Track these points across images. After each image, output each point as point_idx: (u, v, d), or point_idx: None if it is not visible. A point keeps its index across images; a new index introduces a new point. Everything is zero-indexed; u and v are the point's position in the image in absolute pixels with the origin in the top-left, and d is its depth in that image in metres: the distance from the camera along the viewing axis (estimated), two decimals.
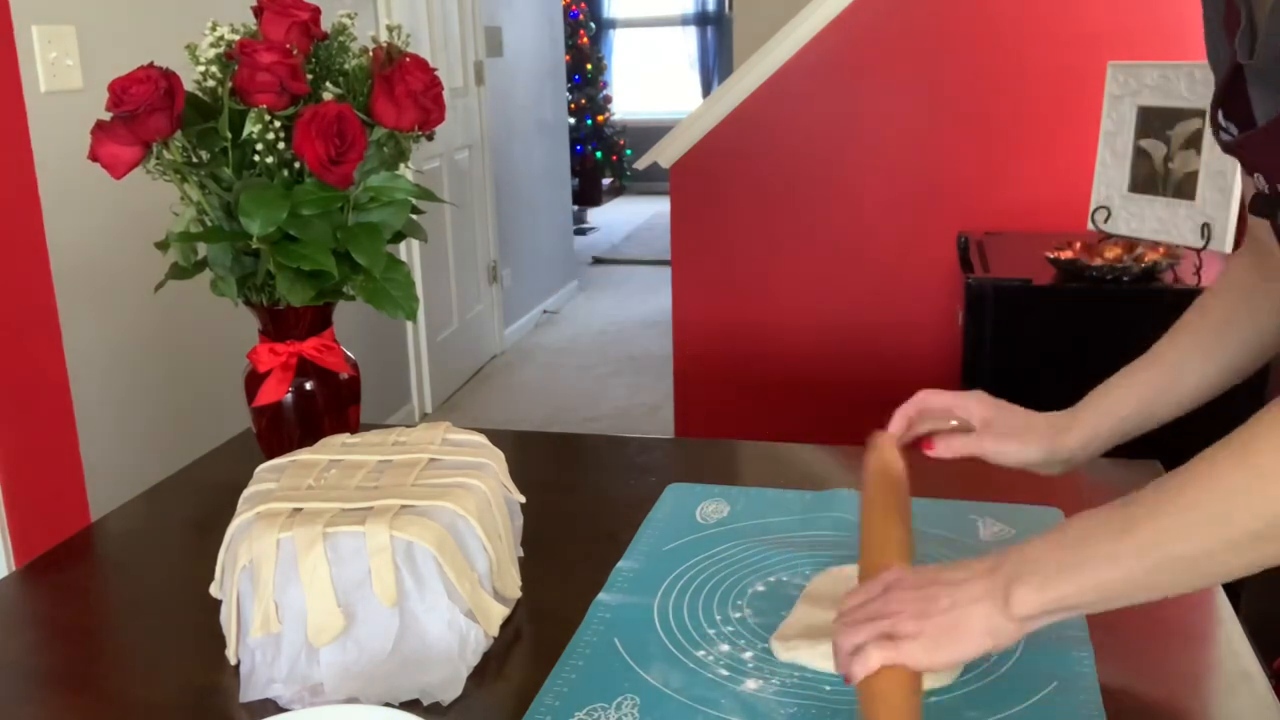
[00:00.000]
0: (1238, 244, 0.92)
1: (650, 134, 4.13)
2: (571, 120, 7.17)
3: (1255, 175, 0.83)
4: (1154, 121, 2.17)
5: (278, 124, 1.03)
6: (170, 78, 1.01)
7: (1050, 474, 0.96)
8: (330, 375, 1.14)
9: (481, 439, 0.98)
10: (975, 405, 0.95)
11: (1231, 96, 0.82)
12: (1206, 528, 0.65)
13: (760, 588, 0.96)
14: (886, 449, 0.93)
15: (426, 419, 3.90)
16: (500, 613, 0.88)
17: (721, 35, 8.56)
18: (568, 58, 6.49)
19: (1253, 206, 0.85)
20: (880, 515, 0.86)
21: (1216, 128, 0.85)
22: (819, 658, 0.82)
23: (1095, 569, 0.67)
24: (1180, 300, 2.03)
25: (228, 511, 0.88)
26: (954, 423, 0.96)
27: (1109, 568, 0.67)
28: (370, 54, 1.09)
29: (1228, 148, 0.85)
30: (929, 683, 0.79)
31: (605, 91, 8.17)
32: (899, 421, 0.96)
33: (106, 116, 1.01)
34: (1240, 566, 0.66)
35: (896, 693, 0.69)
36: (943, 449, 0.94)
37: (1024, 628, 0.69)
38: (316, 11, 1.08)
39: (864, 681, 0.70)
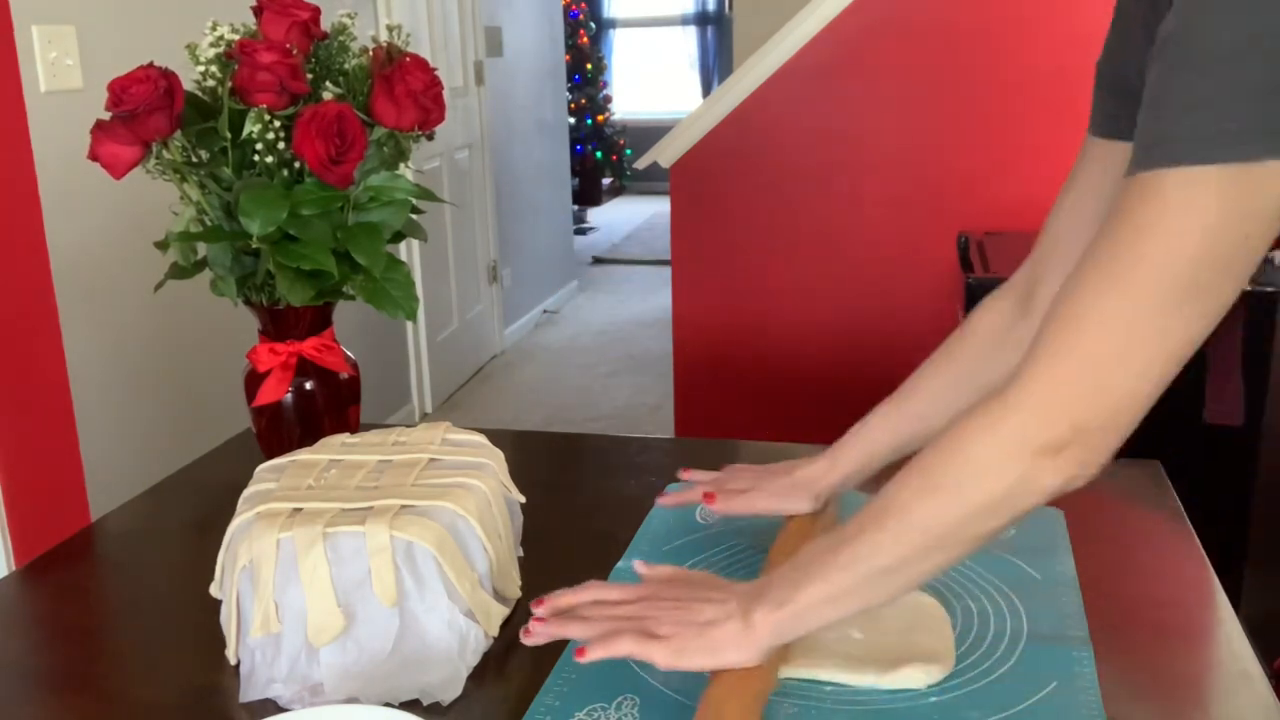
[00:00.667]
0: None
1: (650, 134, 4.13)
2: (571, 120, 7.18)
3: None
4: None
5: (278, 124, 1.03)
6: (170, 77, 1.01)
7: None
8: (330, 375, 1.14)
9: (481, 439, 0.98)
10: (741, 482, 1.02)
11: None
12: (894, 544, 0.73)
13: None
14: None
15: (426, 419, 3.90)
16: (500, 613, 0.88)
17: (721, 35, 8.57)
18: (568, 58, 6.49)
19: None
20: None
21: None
22: (816, 671, 0.82)
23: (814, 586, 0.74)
24: None
25: (228, 511, 0.88)
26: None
27: (825, 584, 0.74)
28: (370, 54, 1.09)
29: None
30: (925, 679, 0.80)
31: (605, 91, 8.17)
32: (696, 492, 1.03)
33: (106, 116, 1.01)
34: (931, 571, 0.74)
35: (730, 701, 0.74)
36: (720, 506, 1.00)
37: (763, 644, 0.75)
38: (316, 11, 1.08)
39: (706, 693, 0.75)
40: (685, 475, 1.05)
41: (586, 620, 0.79)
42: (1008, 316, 0.98)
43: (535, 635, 0.79)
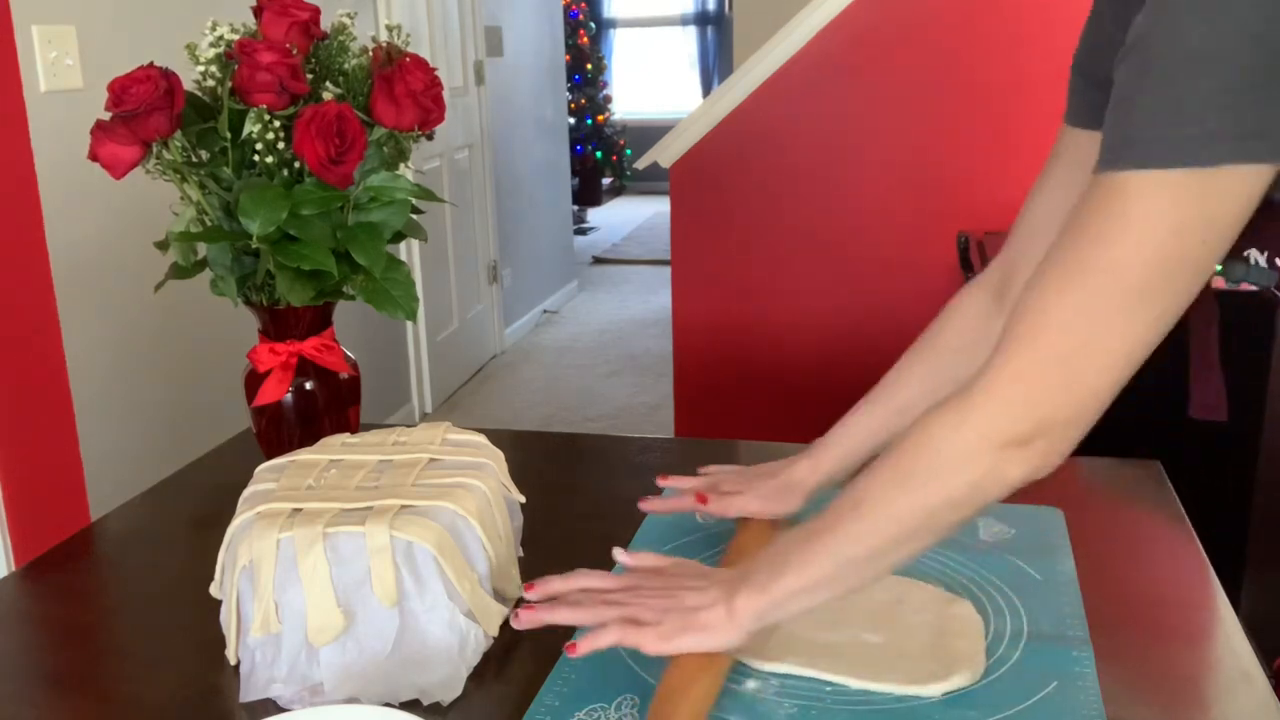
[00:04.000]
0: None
1: (650, 134, 4.13)
2: (571, 120, 7.18)
3: None
4: None
5: (278, 124, 1.03)
6: (170, 77, 1.01)
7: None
8: (330, 375, 1.14)
9: (481, 439, 0.98)
10: (730, 485, 1.03)
11: None
12: (869, 534, 0.75)
13: None
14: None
15: (426, 419, 3.90)
16: (500, 613, 0.88)
17: (721, 35, 8.57)
18: (568, 58, 6.49)
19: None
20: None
21: None
22: (805, 668, 0.82)
23: (792, 575, 0.77)
24: None
25: (228, 511, 0.88)
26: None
27: (803, 572, 0.77)
28: (370, 54, 1.09)
29: None
30: (957, 683, 0.80)
31: (605, 91, 8.17)
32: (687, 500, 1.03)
33: (106, 116, 1.01)
34: (904, 559, 0.77)
35: (689, 688, 0.76)
36: (716, 508, 1.02)
37: (745, 628, 0.77)
38: (316, 11, 1.08)
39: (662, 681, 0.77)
40: (664, 482, 1.05)
41: (574, 605, 0.81)
42: (984, 309, 0.99)
43: (523, 620, 0.81)
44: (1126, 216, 0.66)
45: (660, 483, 1.05)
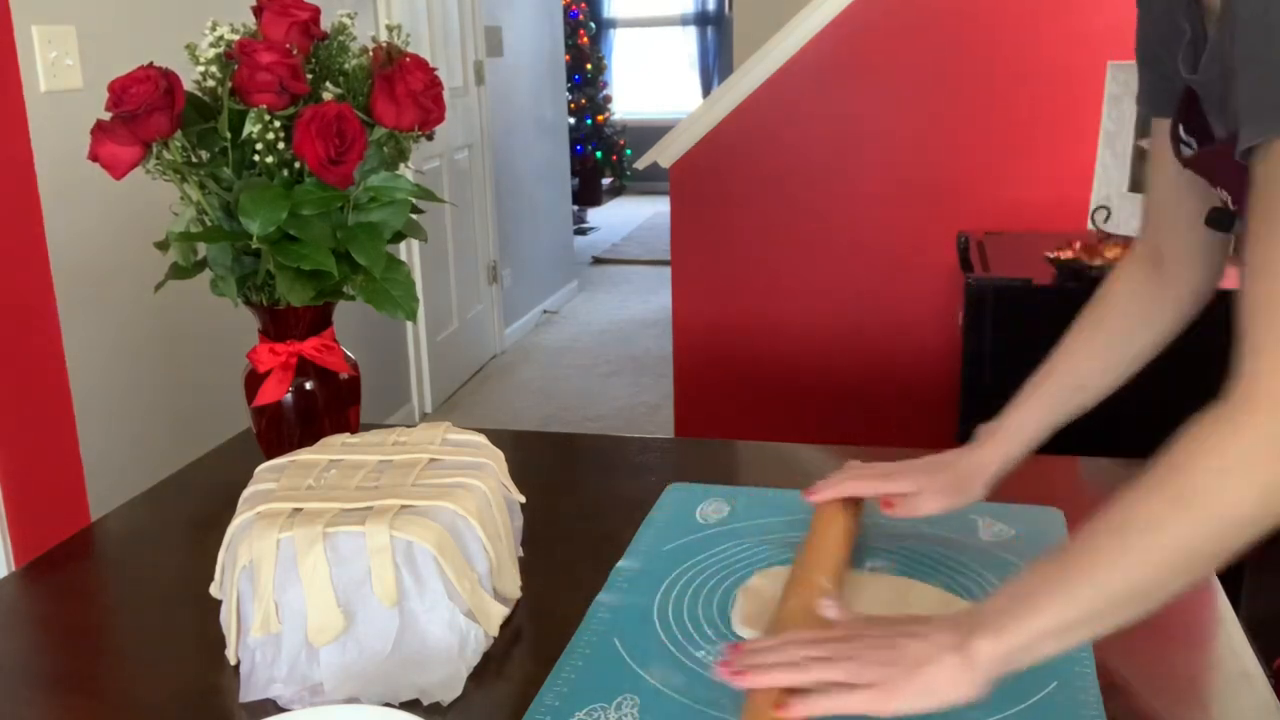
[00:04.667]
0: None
1: (650, 134, 4.13)
2: (571, 120, 7.18)
3: (1219, 189, 0.84)
4: None
5: (278, 124, 1.03)
6: (170, 78, 1.01)
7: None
8: (330, 375, 1.14)
9: (481, 439, 0.98)
10: (905, 483, 0.98)
11: (1190, 111, 0.83)
12: (1140, 564, 0.68)
13: None
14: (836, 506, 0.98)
15: (426, 419, 3.90)
16: (500, 613, 0.88)
17: (721, 35, 8.56)
18: (568, 58, 6.49)
19: (1209, 219, 0.89)
20: (824, 538, 0.92)
21: (1177, 141, 0.86)
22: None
23: (1047, 613, 0.70)
24: None
25: (228, 511, 0.88)
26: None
27: (1059, 611, 0.69)
28: (370, 54, 1.09)
29: (1187, 163, 0.86)
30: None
31: (605, 91, 8.17)
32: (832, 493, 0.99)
33: (106, 116, 1.01)
34: (1175, 593, 0.69)
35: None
36: (902, 510, 0.97)
37: (987, 678, 0.70)
38: (316, 11, 1.08)
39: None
40: (813, 496, 0.99)
41: (790, 666, 0.73)
42: (1143, 282, 0.99)
43: (735, 682, 0.73)
44: None
45: (809, 498, 0.99)
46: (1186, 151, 0.86)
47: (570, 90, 7.40)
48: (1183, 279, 0.97)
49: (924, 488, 0.97)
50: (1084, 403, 0.98)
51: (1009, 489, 1.09)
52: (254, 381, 1.12)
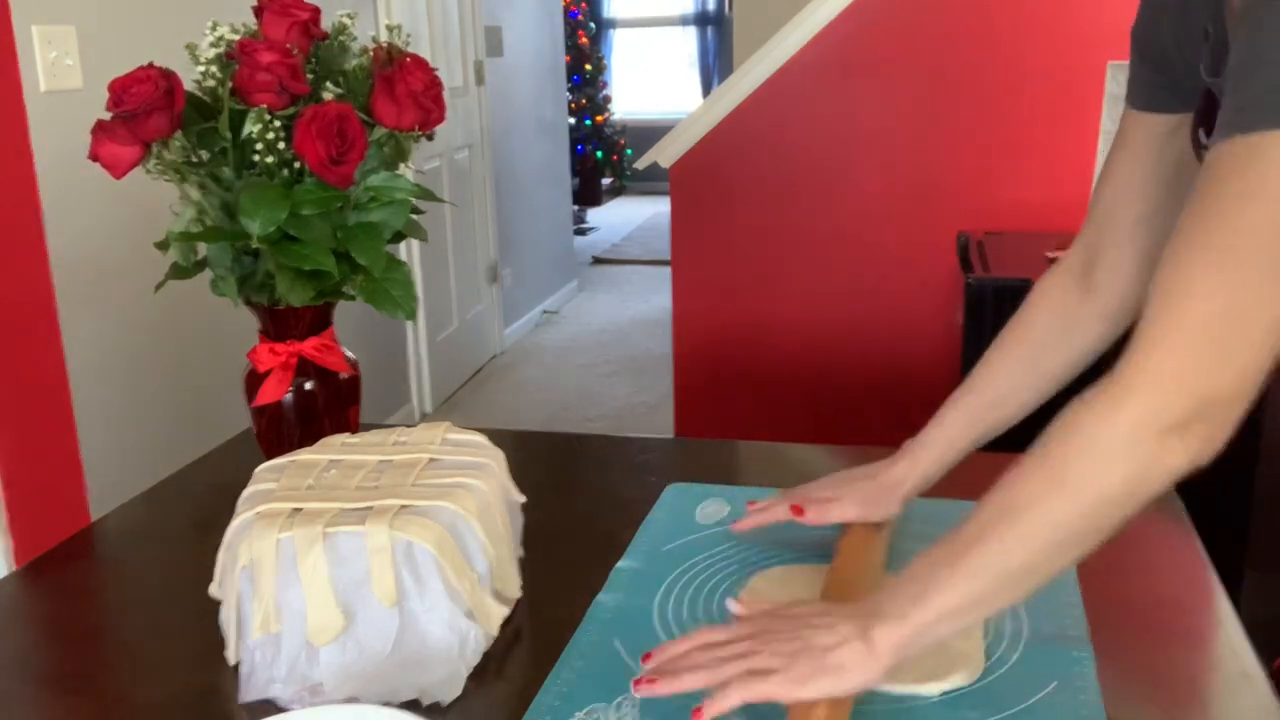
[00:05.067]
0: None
1: (650, 134, 4.13)
2: (571, 120, 7.17)
3: None
4: None
5: (278, 124, 1.03)
6: (170, 78, 1.01)
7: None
8: (330, 375, 1.14)
9: (481, 439, 0.98)
10: (825, 491, 1.00)
11: (1209, 114, 0.82)
12: (1025, 543, 0.70)
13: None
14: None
15: (426, 419, 3.90)
16: (500, 613, 0.88)
17: (721, 35, 8.56)
18: (568, 58, 6.48)
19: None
20: (852, 556, 0.93)
21: (1197, 145, 0.85)
22: None
23: (940, 597, 0.72)
24: None
25: (228, 511, 0.88)
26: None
27: (951, 593, 0.72)
28: (370, 54, 1.09)
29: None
30: (955, 683, 0.80)
31: (605, 91, 8.17)
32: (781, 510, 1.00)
33: (106, 116, 1.01)
34: (1063, 567, 0.72)
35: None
36: (814, 515, 0.99)
37: (886, 661, 0.72)
38: (316, 11, 1.08)
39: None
40: (753, 507, 1.00)
41: (694, 669, 0.74)
42: (1069, 295, 0.97)
43: (644, 692, 0.75)
44: (1267, 178, 0.63)
45: (750, 508, 1.01)
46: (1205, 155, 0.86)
47: (570, 90, 7.40)
48: (1114, 289, 0.95)
49: (841, 496, 0.98)
50: (1003, 419, 0.97)
51: None
52: (254, 381, 1.12)
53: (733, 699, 0.72)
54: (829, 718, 0.72)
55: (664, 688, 0.74)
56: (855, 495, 0.98)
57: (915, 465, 0.98)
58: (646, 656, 0.78)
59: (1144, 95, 0.93)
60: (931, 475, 0.98)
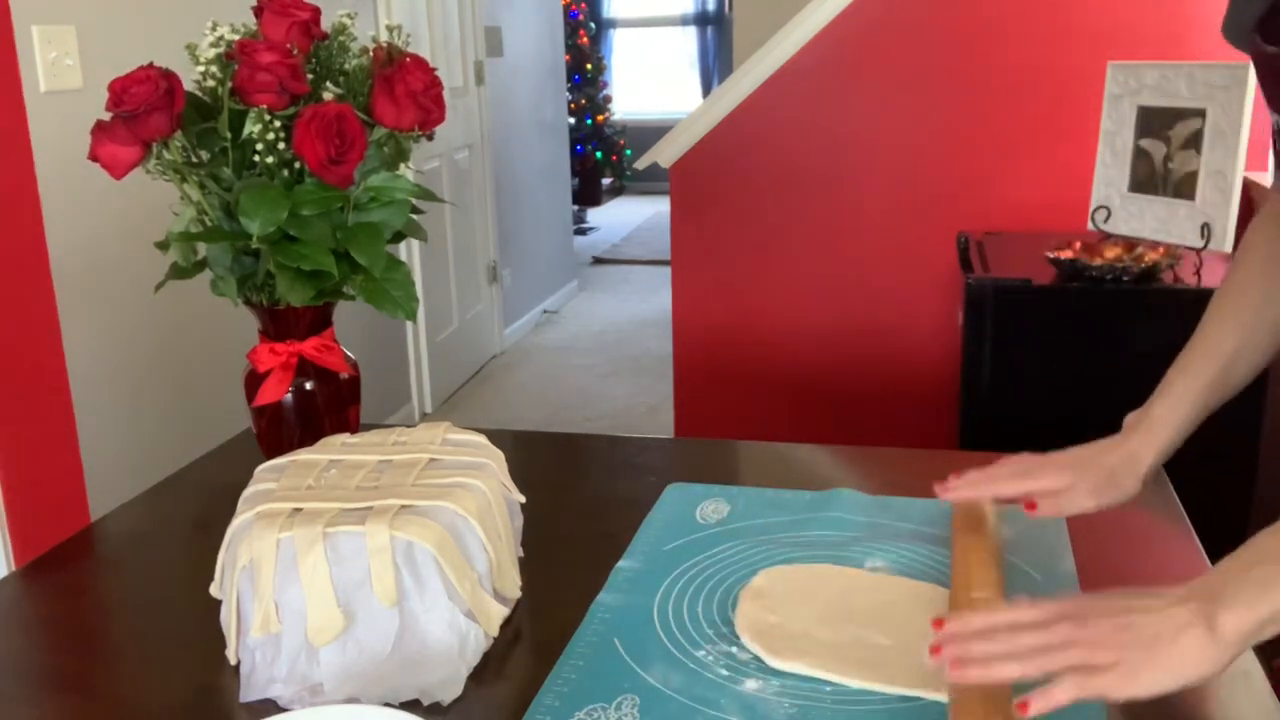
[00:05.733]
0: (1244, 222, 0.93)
1: (650, 134, 4.12)
2: (571, 120, 7.17)
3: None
4: (1154, 121, 2.17)
5: (278, 124, 1.03)
6: (170, 78, 1.01)
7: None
8: (330, 375, 1.14)
9: (481, 439, 0.98)
10: (1052, 479, 0.94)
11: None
12: None
13: None
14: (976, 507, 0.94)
15: (426, 419, 3.90)
16: (500, 613, 0.88)
17: (721, 35, 8.56)
18: (568, 58, 6.48)
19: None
20: (971, 552, 0.89)
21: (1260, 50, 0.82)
22: (818, 669, 0.82)
23: None
24: (1180, 300, 2.03)
25: (228, 511, 0.88)
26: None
27: None
28: (370, 54, 1.09)
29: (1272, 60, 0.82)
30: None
31: (605, 91, 8.17)
32: (968, 490, 0.95)
33: (106, 116, 1.01)
34: None
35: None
36: (1049, 510, 0.93)
37: (1233, 652, 0.67)
38: (316, 11, 1.08)
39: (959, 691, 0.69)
40: (947, 494, 0.95)
41: (1013, 658, 0.69)
42: (1277, 243, 0.93)
43: (956, 677, 0.69)
44: None
45: (943, 495, 0.96)
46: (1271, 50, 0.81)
47: (570, 90, 7.40)
48: None
49: (1072, 484, 0.92)
50: (1233, 383, 0.92)
51: None
52: (254, 381, 1.12)
53: (1062, 696, 0.66)
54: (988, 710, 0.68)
55: (976, 675, 0.69)
56: (1087, 484, 0.92)
57: (1152, 439, 0.92)
58: (938, 623, 0.72)
59: None
60: (1168, 448, 0.93)
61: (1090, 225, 2.29)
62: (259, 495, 0.87)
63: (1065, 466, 0.93)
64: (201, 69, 1.05)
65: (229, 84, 1.03)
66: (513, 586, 0.92)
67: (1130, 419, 0.95)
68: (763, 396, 2.88)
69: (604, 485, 1.23)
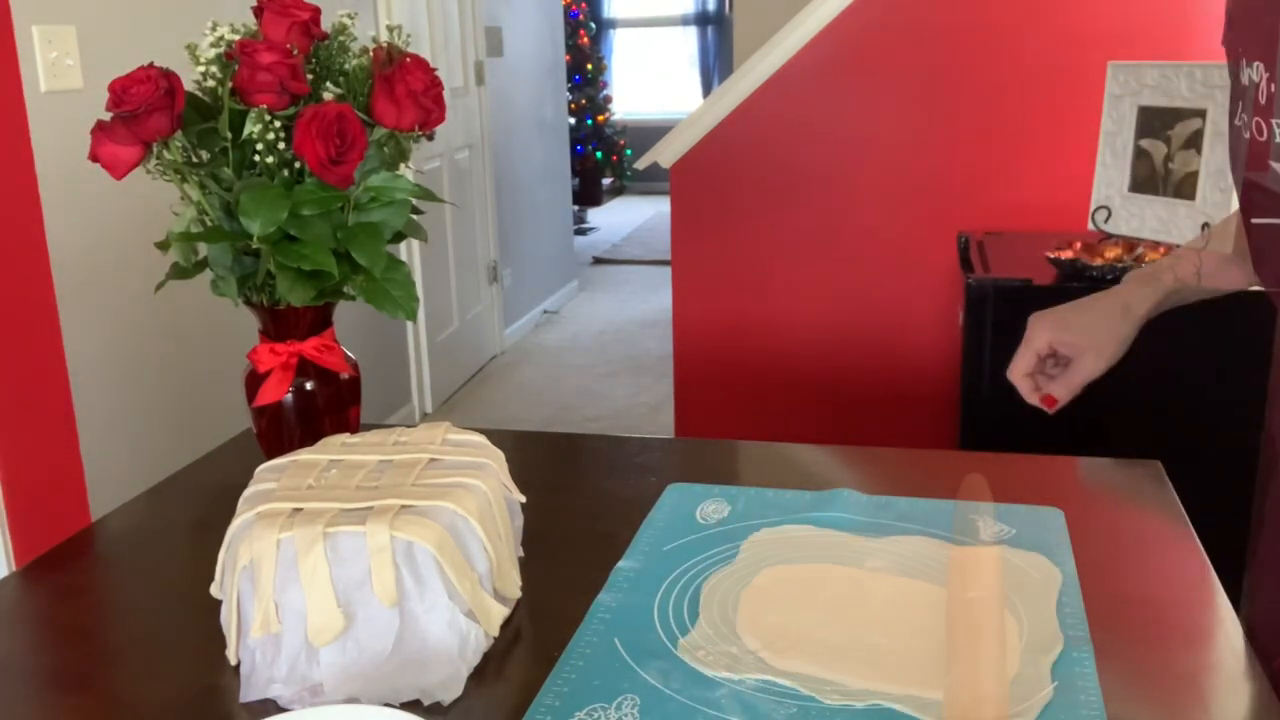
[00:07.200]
0: None
1: (650, 134, 4.13)
2: (571, 120, 7.18)
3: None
4: (1154, 121, 2.17)
5: (278, 124, 1.03)
6: (170, 78, 1.01)
7: None
8: (330, 375, 1.14)
9: (481, 439, 0.98)
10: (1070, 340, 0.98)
11: None
12: None
13: None
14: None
15: (426, 419, 3.90)
16: (500, 613, 0.88)
17: (721, 35, 8.57)
18: (568, 58, 6.49)
19: None
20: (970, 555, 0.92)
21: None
22: (818, 669, 0.82)
23: None
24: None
25: (228, 511, 0.88)
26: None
27: None
28: (370, 54, 1.09)
29: None
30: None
31: (605, 91, 8.17)
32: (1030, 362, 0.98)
33: (106, 116, 1.01)
34: None
35: None
36: (1061, 393, 0.98)
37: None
38: (317, 11, 1.08)
39: None
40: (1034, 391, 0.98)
41: None
42: None
43: None
44: None
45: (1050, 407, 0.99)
46: None
47: (570, 90, 7.40)
48: None
49: (1079, 352, 0.96)
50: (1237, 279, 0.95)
51: (1009, 489, 1.09)
52: (254, 381, 1.12)
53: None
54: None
55: None
56: (1092, 346, 0.96)
57: (1148, 290, 0.96)
58: None
59: None
60: (1163, 301, 0.95)
61: (1090, 225, 2.29)
62: (259, 495, 0.87)
63: (1068, 329, 0.98)
64: (201, 69, 1.05)
65: (229, 84, 1.03)
66: (513, 586, 0.92)
67: (1135, 274, 0.98)
68: (763, 396, 2.88)
69: (604, 485, 1.23)
